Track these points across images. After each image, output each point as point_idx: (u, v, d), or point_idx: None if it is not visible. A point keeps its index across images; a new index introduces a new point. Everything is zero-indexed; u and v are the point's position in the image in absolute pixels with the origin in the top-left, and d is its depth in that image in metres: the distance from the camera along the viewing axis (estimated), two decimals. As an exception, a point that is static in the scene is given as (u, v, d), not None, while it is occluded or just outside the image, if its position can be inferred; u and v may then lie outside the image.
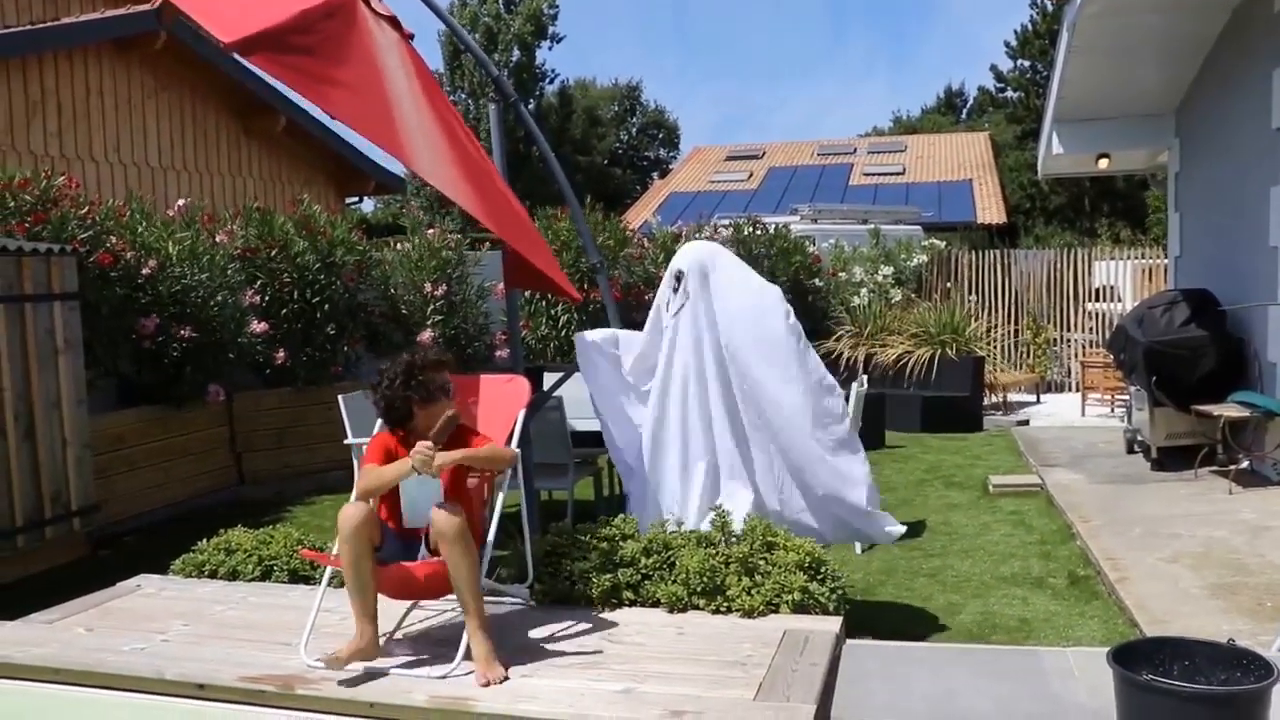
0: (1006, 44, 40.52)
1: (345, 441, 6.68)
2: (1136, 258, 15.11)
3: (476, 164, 4.24)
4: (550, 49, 44.54)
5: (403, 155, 3.71)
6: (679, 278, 5.02)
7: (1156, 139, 10.75)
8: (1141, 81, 9.75)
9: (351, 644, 3.65)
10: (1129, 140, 10.97)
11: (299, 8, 3.50)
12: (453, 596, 4.40)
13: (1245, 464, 7.51)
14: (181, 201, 9.39)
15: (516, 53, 42.59)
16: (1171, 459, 8.05)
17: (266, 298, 9.16)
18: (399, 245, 10.81)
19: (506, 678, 3.48)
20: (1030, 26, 38.90)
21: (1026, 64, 39.89)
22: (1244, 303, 8.07)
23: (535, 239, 4.73)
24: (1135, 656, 2.92)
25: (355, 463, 6.76)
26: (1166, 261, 12.15)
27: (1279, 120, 7.29)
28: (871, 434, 9.65)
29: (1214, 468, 7.67)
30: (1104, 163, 11.78)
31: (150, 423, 8.16)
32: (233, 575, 4.93)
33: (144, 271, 7.88)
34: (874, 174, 27.77)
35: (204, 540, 5.21)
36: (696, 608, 4.13)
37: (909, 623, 5.12)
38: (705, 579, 4.12)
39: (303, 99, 4.47)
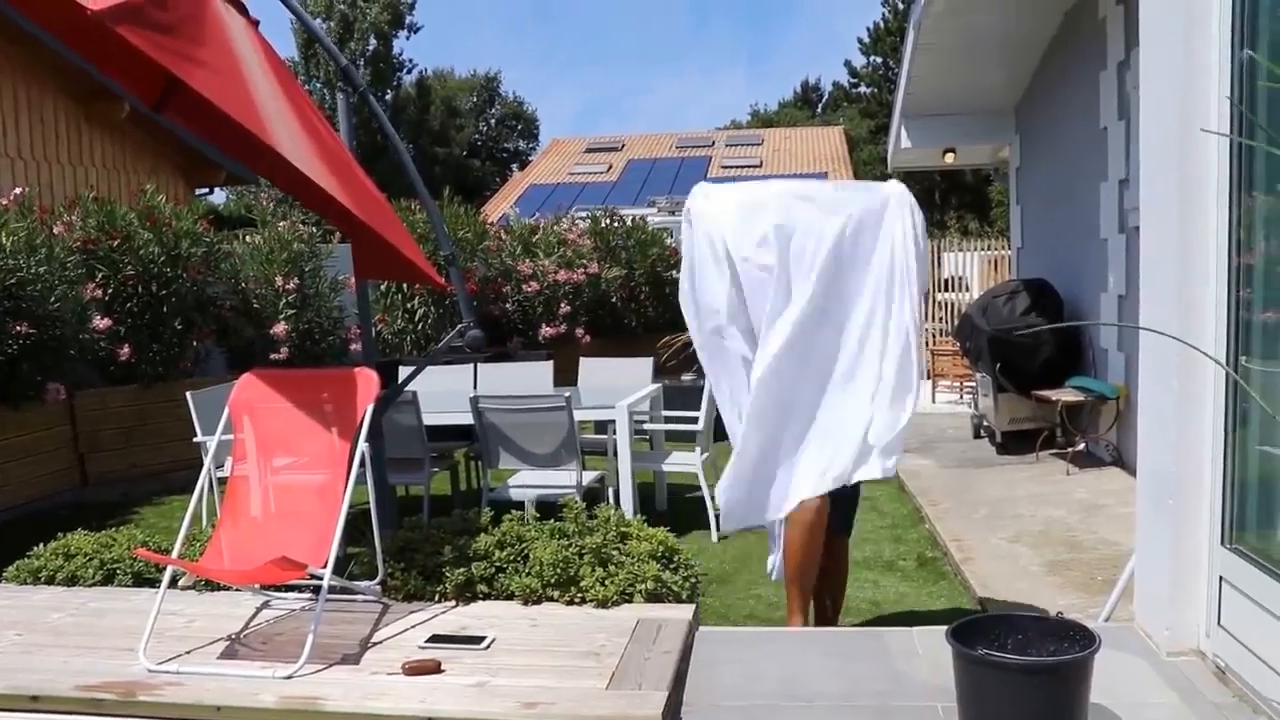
0: (860, 40, 41.72)
1: (195, 439, 6.48)
2: (983, 249, 15.68)
3: (334, 152, 4.16)
4: (408, 38, 44.03)
5: (267, 138, 3.62)
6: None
7: (998, 135, 11.18)
8: (984, 79, 10.12)
9: None
10: (973, 136, 11.38)
11: None
12: (301, 594, 4.34)
13: (1081, 446, 7.88)
14: (16, 190, 8.96)
15: (373, 42, 41.90)
16: (1015, 443, 8.40)
17: (109, 292, 8.81)
18: (249, 238, 10.53)
19: None
20: (882, 24, 40.02)
21: (879, 60, 41.00)
22: (1079, 290, 8.45)
23: (399, 226, 4.67)
24: (973, 633, 3.03)
25: (205, 460, 6.56)
26: (1010, 253, 12.63)
27: (1106, 120, 7.65)
28: (722, 424, 9.78)
29: (1054, 450, 8.03)
30: (950, 157, 12.20)
31: (-18, 423, 7.79)
32: (72, 580, 4.73)
33: (-27, 265, 7.50)
34: (732, 166, 28.18)
35: (41, 545, 4.99)
36: (551, 599, 4.13)
37: (763, 608, 5.23)
38: (559, 570, 4.13)
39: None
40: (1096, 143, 7.82)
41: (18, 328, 7.67)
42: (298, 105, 4.05)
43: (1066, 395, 7.68)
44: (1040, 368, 8.17)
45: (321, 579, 3.82)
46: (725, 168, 28.27)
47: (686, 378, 10.31)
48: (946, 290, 15.46)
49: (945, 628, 3.68)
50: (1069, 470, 7.53)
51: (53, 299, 8.03)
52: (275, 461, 4.26)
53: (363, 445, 4.08)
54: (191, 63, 3.37)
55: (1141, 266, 3.64)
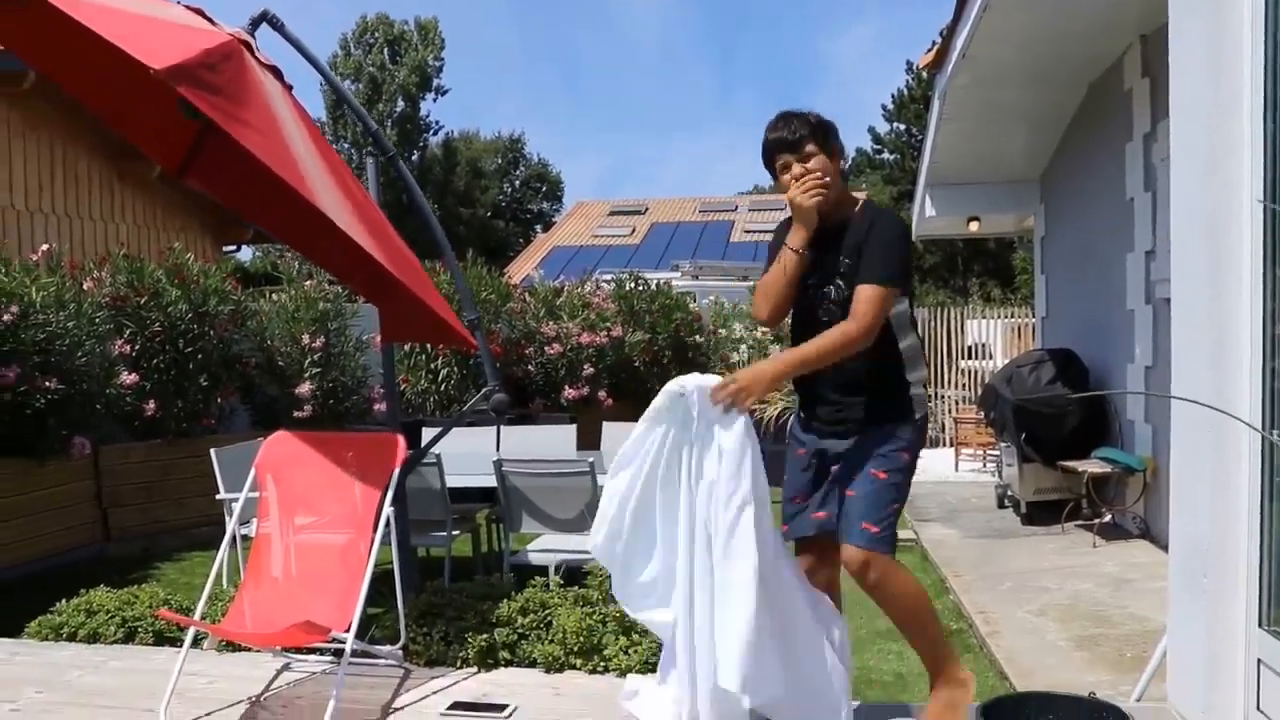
0: (883, 107, 41.86)
1: (218, 496, 6.48)
2: (1007, 316, 15.66)
3: (366, 209, 4.21)
4: (435, 100, 44.55)
5: (311, 196, 3.67)
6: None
7: (1023, 204, 11.21)
8: (1008, 149, 10.18)
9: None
10: (997, 205, 11.42)
11: (202, 45, 3.43)
12: (322, 657, 4.31)
13: (1108, 518, 7.79)
14: (45, 246, 9.07)
15: (401, 103, 42.47)
16: (1040, 513, 8.31)
17: (136, 348, 8.88)
18: (275, 296, 10.61)
19: None
20: (906, 91, 40.27)
21: (902, 127, 41.25)
22: (1105, 361, 8.41)
23: (431, 286, 4.70)
24: (1002, 711, 2.99)
25: (227, 518, 6.57)
26: (1034, 321, 12.62)
27: (1132, 191, 7.66)
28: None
29: (1079, 521, 7.95)
30: (974, 225, 12.23)
31: (9, 477, 7.80)
32: (93, 638, 4.73)
33: (4, 319, 7.56)
34: (755, 231, 28.30)
35: (63, 601, 4.98)
36: (574, 667, 4.10)
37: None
38: (583, 638, 4.10)
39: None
40: (1122, 214, 7.83)
41: (46, 382, 7.72)
42: (332, 164, 4.10)
43: (1093, 466, 7.62)
44: (1066, 438, 8.11)
45: (343, 642, 3.80)
46: (748, 231, 28.41)
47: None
48: (969, 358, 15.43)
49: (974, 704, 3.64)
50: (1095, 542, 7.45)
51: (80, 354, 8.09)
52: (298, 520, 4.25)
53: (388, 509, 4.08)
54: (239, 122, 3.42)
55: (1173, 334, 3.61)
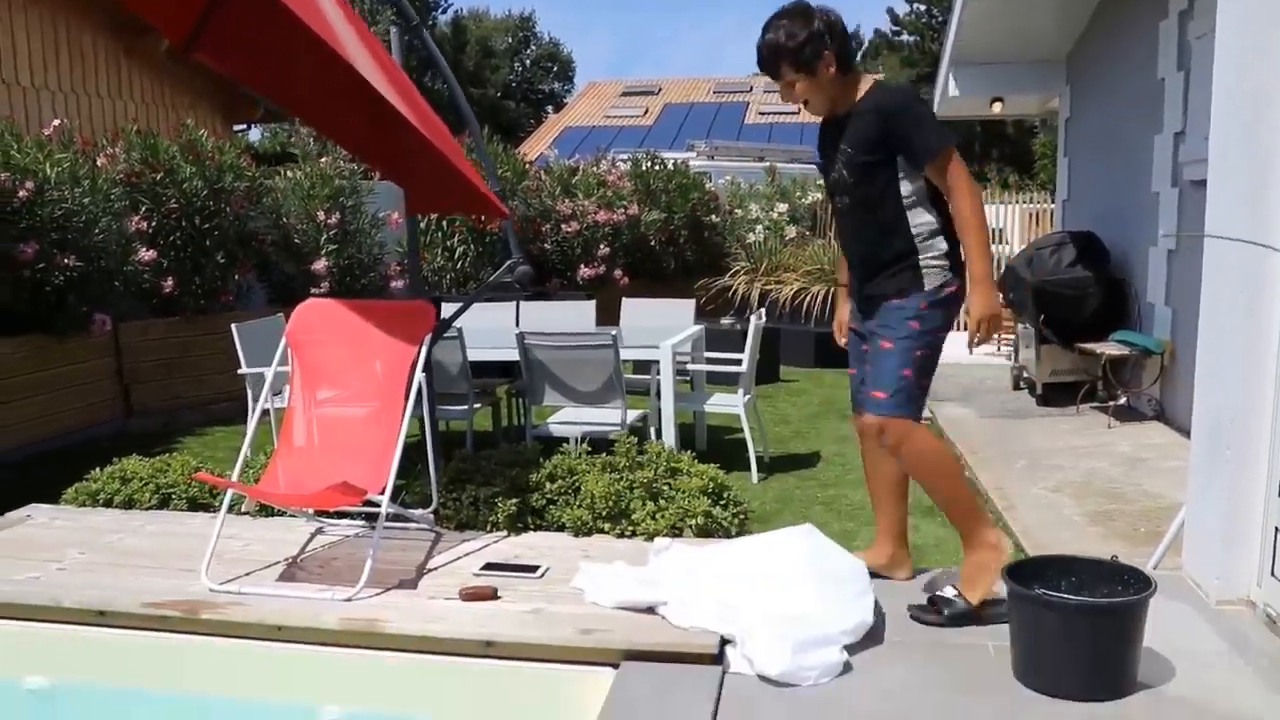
0: (902, -12, 40.85)
1: (239, 371, 6.54)
2: (1024, 202, 15.49)
3: (396, 76, 4.15)
4: (444, -23, 43.54)
5: (341, 50, 3.63)
6: None
7: (1048, 85, 11.00)
8: (1035, 28, 9.95)
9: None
10: (1022, 85, 11.20)
11: None
12: (354, 521, 4.40)
13: (1123, 400, 7.84)
14: (56, 121, 8.98)
15: (409, -20, 41.47)
16: (1055, 395, 8.36)
17: (153, 224, 8.86)
18: (289, 173, 10.55)
19: None
20: (925, -30, 39.29)
21: (922, 8, 40.36)
22: (1127, 243, 8.37)
23: (461, 154, 4.66)
24: (1026, 573, 3.05)
25: (249, 393, 6.64)
26: (1053, 206, 12.50)
27: (1163, 72, 7.52)
28: (768, 369, 9.81)
29: (1094, 404, 8.00)
30: (998, 106, 12.03)
31: (31, 353, 7.88)
32: (129, 504, 4.82)
33: (20, 195, 7.54)
34: (769, 113, 27.90)
35: (99, 469, 5.07)
36: (602, 531, 4.18)
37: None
38: (610, 503, 4.17)
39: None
40: (1152, 94, 7.70)
41: (65, 259, 7.73)
42: (359, 29, 4.04)
43: (1110, 348, 7.63)
44: (1085, 320, 8.11)
45: (377, 506, 3.87)
46: (762, 113, 28.02)
47: (726, 321, 10.33)
48: (985, 242, 15.30)
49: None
50: (1110, 424, 7.50)
51: (98, 231, 8.08)
52: (330, 387, 4.29)
53: (419, 376, 4.12)
54: None
55: (1209, 211, 3.59)
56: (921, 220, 3.47)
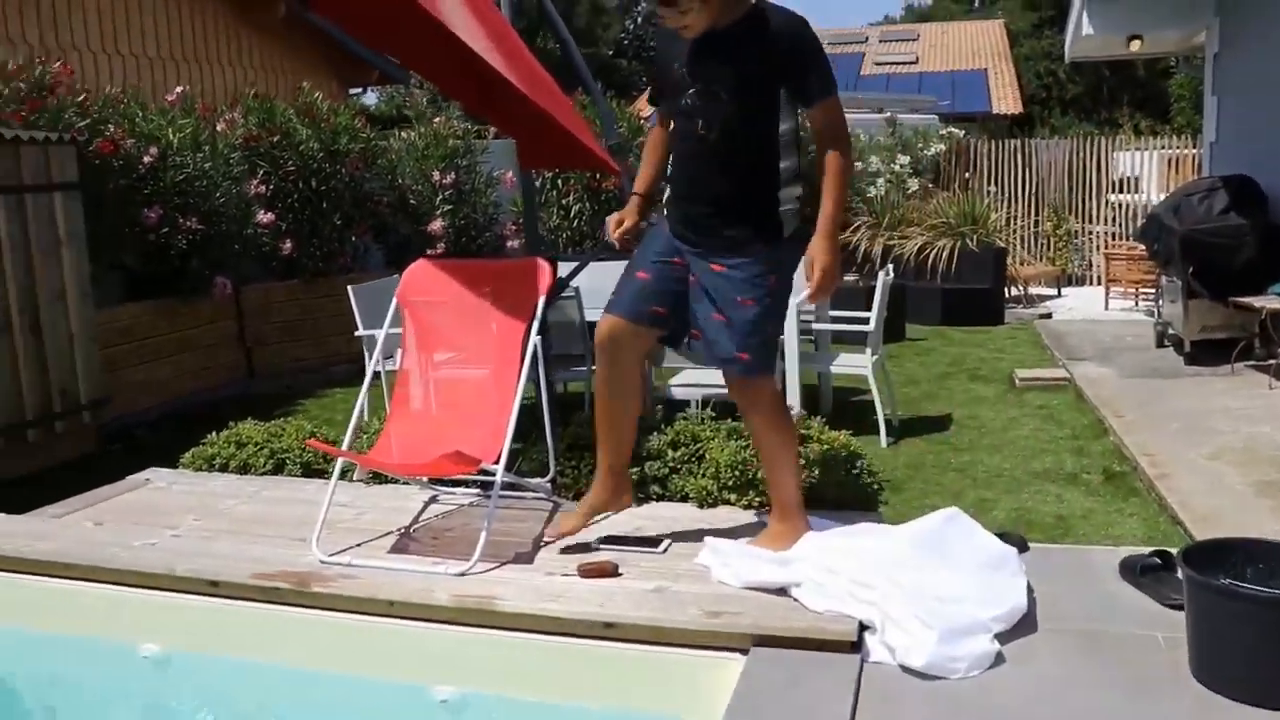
0: (1028, -76, 39.20)
1: (356, 333, 6.47)
2: (1162, 148, 14.67)
3: (503, 34, 3.97)
4: (555, -66, 43.35)
5: (435, 11, 3.49)
6: None
7: (1194, 19, 10.27)
8: (1181, -43, 9.30)
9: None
10: (1164, 20, 10.47)
11: None
12: (468, 490, 4.26)
13: (1284, 357, 7.29)
14: (179, 88, 9.07)
15: (521, -62, 41.39)
16: (1205, 353, 7.81)
17: (270, 188, 8.90)
18: (404, 134, 10.51)
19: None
20: (1052, -92, 37.61)
21: (1047, -52, 38.64)
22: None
23: (571, 111, 4.47)
24: (1205, 559, 2.74)
25: (366, 355, 6.56)
26: (1194, 151, 11.78)
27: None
28: (893, 327, 9.43)
29: (1251, 362, 7.45)
30: (1135, 44, 11.32)
31: (157, 316, 7.99)
32: (244, 469, 4.78)
33: (145, 160, 7.63)
34: (886, 63, 27.06)
35: (214, 433, 5.05)
36: (727, 502, 3.96)
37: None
38: (736, 473, 3.94)
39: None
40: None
41: (187, 223, 7.81)
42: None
43: (1271, 302, 7.07)
44: (1239, 271, 7.54)
45: (491, 474, 3.71)
46: (879, 64, 27.17)
47: (850, 277, 9.97)
48: (1120, 191, 14.55)
49: (1153, 549, 3.39)
50: (1272, 384, 6.96)
51: (218, 194, 8.15)
52: (443, 352, 4.15)
53: (534, 338, 3.93)
54: None
55: None
56: (788, 163, 3.30)
